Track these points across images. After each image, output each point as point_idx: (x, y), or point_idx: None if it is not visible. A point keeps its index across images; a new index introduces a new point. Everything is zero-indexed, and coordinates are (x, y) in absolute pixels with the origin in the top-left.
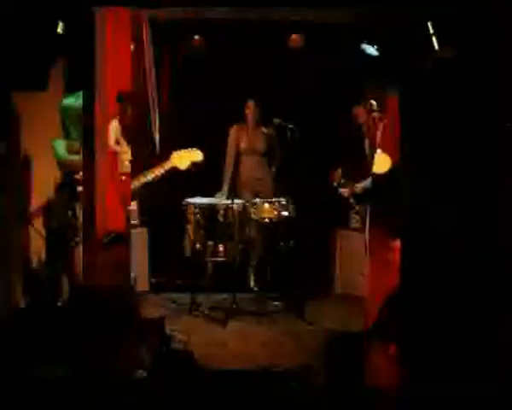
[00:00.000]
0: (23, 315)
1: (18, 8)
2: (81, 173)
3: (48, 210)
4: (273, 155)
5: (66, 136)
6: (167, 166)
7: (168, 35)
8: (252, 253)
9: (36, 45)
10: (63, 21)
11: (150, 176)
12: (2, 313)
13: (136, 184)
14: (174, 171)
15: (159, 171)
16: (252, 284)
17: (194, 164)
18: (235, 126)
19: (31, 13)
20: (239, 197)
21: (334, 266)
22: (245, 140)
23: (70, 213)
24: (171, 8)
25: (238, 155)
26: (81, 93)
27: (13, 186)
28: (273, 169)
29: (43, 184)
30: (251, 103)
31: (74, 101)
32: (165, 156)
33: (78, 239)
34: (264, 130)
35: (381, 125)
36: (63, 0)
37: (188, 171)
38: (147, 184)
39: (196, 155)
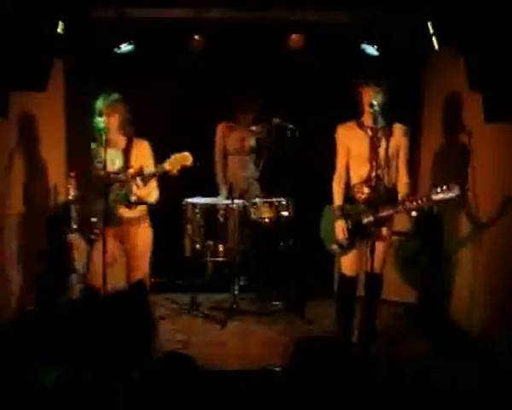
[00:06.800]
0: (24, 315)
1: (18, 8)
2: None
3: (51, 210)
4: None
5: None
6: (160, 170)
7: (168, 35)
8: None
9: (36, 45)
10: (63, 21)
11: (148, 176)
12: (2, 313)
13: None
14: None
15: (150, 176)
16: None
17: (185, 168)
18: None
19: (31, 13)
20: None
21: (334, 266)
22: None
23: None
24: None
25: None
26: (108, 94)
27: (13, 186)
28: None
29: (43, 184)
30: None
31: (100, 99)
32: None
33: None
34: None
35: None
36: (63, 0)
37: (188, 170)
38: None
39: (186, 159)
